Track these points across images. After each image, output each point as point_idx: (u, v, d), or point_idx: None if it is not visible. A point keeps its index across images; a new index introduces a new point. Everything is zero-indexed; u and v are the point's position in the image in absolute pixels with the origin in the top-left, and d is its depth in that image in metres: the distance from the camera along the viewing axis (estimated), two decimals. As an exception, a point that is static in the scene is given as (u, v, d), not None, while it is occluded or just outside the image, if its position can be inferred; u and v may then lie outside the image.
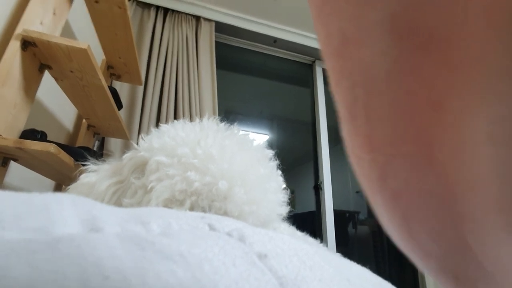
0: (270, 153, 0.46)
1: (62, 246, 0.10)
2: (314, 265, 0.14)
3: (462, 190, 0.06)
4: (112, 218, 0.13)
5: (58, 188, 1.03)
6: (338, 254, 0.20)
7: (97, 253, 0.10)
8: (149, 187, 0.35)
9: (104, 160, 0.46)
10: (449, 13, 0.06)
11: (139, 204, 0.36)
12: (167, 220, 0.14)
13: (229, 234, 0.15)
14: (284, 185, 0.45)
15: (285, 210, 0.43)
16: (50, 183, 0.99)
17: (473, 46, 0.06)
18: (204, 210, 0.35)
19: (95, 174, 0.41)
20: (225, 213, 0.35)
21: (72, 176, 0.82)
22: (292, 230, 0.54)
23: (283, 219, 0.46)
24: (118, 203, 0.38)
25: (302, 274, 0.13)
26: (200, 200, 0.35)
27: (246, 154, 0.40)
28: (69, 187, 0.42)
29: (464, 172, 0.06)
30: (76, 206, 0.12)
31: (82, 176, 0.41)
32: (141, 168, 0.39)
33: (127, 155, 0.41)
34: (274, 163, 0.46)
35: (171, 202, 0.34)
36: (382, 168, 0.08)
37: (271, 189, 0.41)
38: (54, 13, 0.75)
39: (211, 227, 0.16)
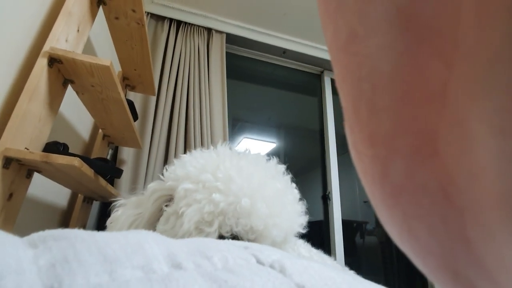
0: (283, 167, 0.48)
1: (166, 284, 0.12)
2: None
3: (464, 183, 0.06)
4: (183, 253, 0.15)
5: (74, 197, 1.05)
6: (361, 278, 0.22)
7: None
8: (180, 212, 0.38)
9: (134, 192, 0.50)
10: (445, 5, 0.06)
11: (172, 229, 0.39)
12: (224, 254, 0.16)
13: (272, 267, 0.17)
14: (300, 195, 0.48)
15: (304, 219, 0.45)
16: (67, 192, 1.01)
17: (470, 37, 0.06)
18: (231, 228, 0.38)
19: (121, 208, 0.46)
20: (251, 228, 0.38)
21: (90, 186, 0.84)
22: (308, 247, 0.56)
23: (298, 235, 0.48)
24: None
25: None
26: (227, 219, 0.37)
27: (261, 171, 0.43)
28: (109, 223, 0.46)
29: (466, 164, 0.06)
30: (158, 245, 0.14)
31: (113, 211, 0.46)
32: (167, 197, 0.43)
33: (151, 185, 0.45)
34: (288, 177, 0.48)
35: (202, 224, 0.37)
36: (383, 163, 0.08)
37: (289, 201, 0.43)
38: (78, 30, 0.79)
39: (258, 260, 0.18)
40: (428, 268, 0.08)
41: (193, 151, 0.47)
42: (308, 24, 1.74)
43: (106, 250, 0.12)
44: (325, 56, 1.90)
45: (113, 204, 0.47)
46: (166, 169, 0.45)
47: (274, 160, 0.48)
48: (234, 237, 0.38)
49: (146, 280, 0.11)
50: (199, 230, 0.37)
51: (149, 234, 0.15)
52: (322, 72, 2.02)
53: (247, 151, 0.48)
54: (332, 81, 2.00)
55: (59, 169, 0.66)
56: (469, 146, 0.06)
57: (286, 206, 0.42)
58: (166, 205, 0.42)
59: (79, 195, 1.03)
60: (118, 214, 0.45)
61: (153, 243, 0.14)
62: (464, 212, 0.06)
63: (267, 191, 0.40)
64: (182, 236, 0.37)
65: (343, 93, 0.09)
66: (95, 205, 1.18)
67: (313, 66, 1.99)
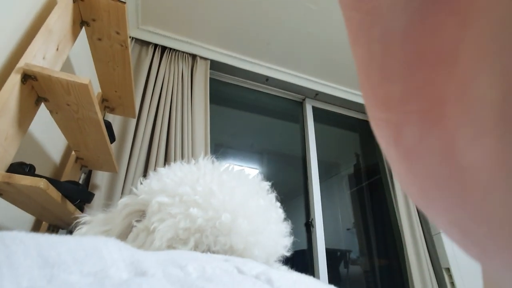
0: (267, 185, 0.46)
1: None
2: None
3: (467, 143, 0.06)
4: (152, 261, 0.13)
5: (38, 224, 0.96)
6: None
7: None
8: (151, 228, 0.34)
9: (105, 209, 0.45)
10: None
11: (141, 246, 0.35)
12: (201, 263, 0.15)
13: (257, 277, 0.15)
14: (284, 216, 0.45)
15: (289, 241, 0.43)
16: (30, 218, 0.92)
17: None
18: (209, 247, 0.34)
19: (86, 226, 0.41)
20: (231, 247, 0.35)
21: (56, 212, 0.77)
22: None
23: (280, 261, 0.45)
24: None
25: None
26: (204, 237, 0.34)
27: (244, 187, 0.41)
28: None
29: (469, 127, 0.06)
30: (121, 251, 0.13)
31: (76, 229, 0.41)
32: (139, 213, 0.39)
33: (122, 201, 0.41)
34: (272, 195, 0.46)
35: (175, 242, 0.34)
36: (396, 126, 0.08)
37: (272, 219, 0.41)
38: (57, 49, 0.77)
39: (239, 270, 0.16)
40: (442, 225, 0.08)
41: (172, 163, 0.44)
42: (290, 54, 1.82)
43: (49, 253, 0.10)
44: (307, 84, 1.97)
45: (76, 221, 0.42)
46: (141, 182, 0.41)
47: (259, 176, 0.45)
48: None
49: (97, 286, 0.10)
50: (172, 249, 0.33)
51: (112, 240, 0.13)
52: (303, 99, 2.08)
53: (230, 167, 0.45)
54: (314, 108, 2.07)
55: (22, 192, 0.60)
56: (473, 107, 0.06)
57: (270, 224, 0.39)
58: (137, 221, 0.38)
59: (43, 222, 0.94)
60: (82, 232, 0.40)
61: (113, 249, 0.12)
62: (466, 171, 0.07)
63: (249, 207, 0.38)
64: None
65: (355, 55, 0.08)
66: (61, 233, 1.08)
67: (295, 94, 2.05)
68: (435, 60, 0.07)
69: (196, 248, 0.34)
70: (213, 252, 0.34)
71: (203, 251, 0.34)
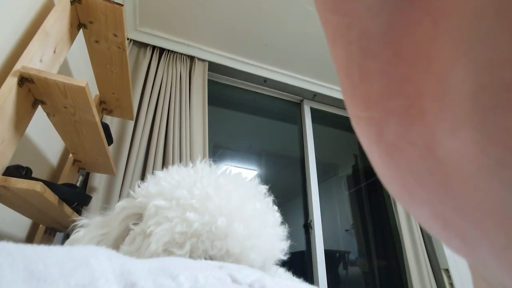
0: (264, 188, 0.46)
1: None
2: None
3: (445, 136, 0.06)
4: (143, 271, 0.13)
5: (35, 227, 0.96)
6: None
7: None
8: (148, 231, 0.34)
9: (102, 212, 0.45)
10: None
11: (138, 250, 0.35)
12: (193, 272, 0.14)
13: (251, 286, 0.15)
14: (281, 220, 0.45)
15: (286, 244, 0.42)
16: (27, 222, 0.92)
17: None
18: (205, 252, 0.34)
19: (84, 229, 0.41)
20: (227, 252, 0.35)
21: (53, 215, 0.77)
22: (289, 276, 0.53)
23: (278, 263, 0.45)
24: None
25: None
26: (200, 242, 0.34)
27: (241, 190, 0.41)
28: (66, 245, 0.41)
29: (448, 119, 0.06)
30: (111, 261, 0.12)
31: (73, 232, 0.40)
32: (137, 216, 0.39)
33: (120, 204, 0.41)
34: (269, 198, 0.46)
35: (171, 245, 0.34)
36: (377, 124, 0.08)
37: (269, 223, 0.41)
38: (54, 52, 0.76)
39: (233, 279, 0.16)
40: (423, 219, 0.08)
41: (169, 167, 0.44)
42: (288, 55, 1.83)
43: (36, 265, 0.10)
44: (305, 85, 1.98)
45: (73, 224, 0.42)
46: (139, 185, 0.41)
47: (256, 180, 0.45)
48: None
49: None
50: (168, 252, 0.33)
51: (101, 249, 0.13)
52: (301, 101, 2.08)
53: (227, 170, 0.45)
54: (312, 109, 2.07)
55: (18, 195, 0.60)
56: (449, 101, 0.06)
57: (266, 227, 0.39)
58: (134, 224, 0.38)
59: (40, 225, 0.93)
60: (79, 235, 0.39)
61: (103, 259, 0.12)
62: (446, 164, 0.07)
63: (246, 211, 0.37)
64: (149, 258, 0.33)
65: (334, 56, 0.09)
66: (58, 237, 1.08)
67: (293, 95, 2.06)
68: (412, 58, 0.07)
69: (192, 252, 0.34)
70: (210, 256, 0.34)
71: (199, 255, 0.34)
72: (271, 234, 0.39)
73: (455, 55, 0.06)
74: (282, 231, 0.42)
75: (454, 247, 0.08)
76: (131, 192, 0.41)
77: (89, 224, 0.42)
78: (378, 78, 0.07)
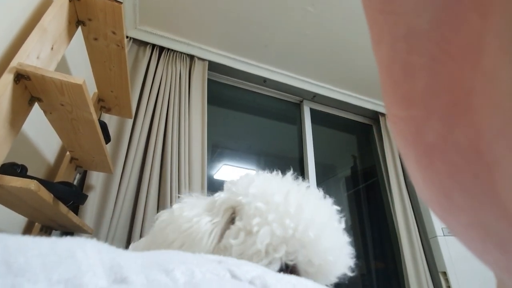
0: (337, 208, 0.49)
1: None
2: None
3: (493, 137, 0.06)
4: (135, 265, 0.12)
5: (30, 225, 0.95)
6: None
7: None
8: (254, 231, 0.37)
9: (191, 194, 0.49)
10: None
11: (243, 244, 0.37)
12: (190, 267, 0.14)
13: (251, 283, 0.15)
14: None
15: (352, 262, 0.46)
16: (22, 220, 0.91)
17: None
18: (296, 257, 0.37)
19: (190, 208, 0.43)
20: (309, 261, 0.37)
21: (49, 213, 0.76)
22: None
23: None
24: (215, 244, 0.40)
25: None
26: (290, 247, 0.37)
27: (326, 207, 0.45)
28: (160, 216, 0.44)
29: (496, 118, 0.06)
30: (100, 254, 0.12)
31: (176, 208, 0.43)
32: (231, 210, 0.42)
33: (221, 196, 0.44)
34: (342, 219, 0.48)
35: (270, 247, 0.36)
36: (418, 123, 0.08)
37: (345, 241, 0.44)
38: (52, 48, 0.76)
39: (233, 275, 0.15)
40: (461, 226, 0.08)
41: (259, 172, 0.47)
42: (288, 56, 1.82)
43: (16, 258, 0.09)
44: (305, 86, 1.97)
45: (178, 199, 0.45)
46: (233, 183, 0.45)
47: (330, 199, 0.48)
48: (293, 267, 0.37)
49: None
50: (267, 254, 0.36)
51: (90, 241, 0.12)
52: (301, 101, 2.08)
53: (310, 185, 0.49)
54: (311, 110, 2.07)
55: (12, 193, 0.59)
56: (500, 99, 0.06)
57: (345, 245, 0.43)
58: (232, 218, 0.41)
59: (36, 223, 0.93)
60: (189, 215, 0.41)
61: (91, 252, 0.11)
62: (493, 167, 0.06)
63: (331, 228, 0.41)
64: (251, 256, 0.36)
65: (378, 56, 0.08)
66: (54, 235, 1.07)
67: (293, 96, 2.05)
68: (460, 54, 0.07)
69: (287, 256, 0.36)
70: (291, 261, 0.37)
71: (291, 260, 0.36)
72: (346, 254, 0.43)
73: (504, 51, 0.06)
74: (350, 249, 0.45)
75: (490, 259, 0.07)
76: (232, 188, 0.44)
77: (193, 204, 0.44)
78: (423, 75, 0.07)
